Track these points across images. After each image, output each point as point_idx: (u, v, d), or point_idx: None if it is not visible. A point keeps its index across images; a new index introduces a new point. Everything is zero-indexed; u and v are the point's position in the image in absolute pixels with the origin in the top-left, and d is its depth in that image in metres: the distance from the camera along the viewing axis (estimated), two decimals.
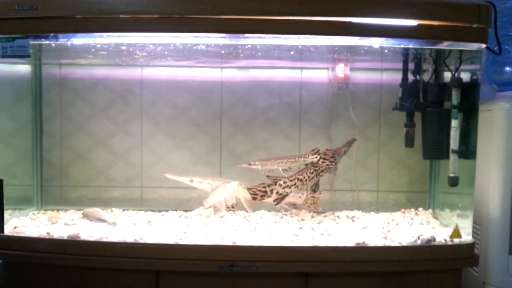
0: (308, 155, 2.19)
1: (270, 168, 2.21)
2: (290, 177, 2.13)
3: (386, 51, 2.23)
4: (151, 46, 2.16)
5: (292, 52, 2.26)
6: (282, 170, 2.20)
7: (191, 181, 2.28)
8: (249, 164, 2.23)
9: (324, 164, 2.17)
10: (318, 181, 2.20)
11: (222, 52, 2.30)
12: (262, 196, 2.09)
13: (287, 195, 2.13)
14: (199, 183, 2.28)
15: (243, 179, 2.28)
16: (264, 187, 2.08)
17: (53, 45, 2.14)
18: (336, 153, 2.23)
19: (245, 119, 2.48)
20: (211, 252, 1.85)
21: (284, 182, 2.10)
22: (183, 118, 2.48)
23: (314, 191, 2.20)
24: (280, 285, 1.89)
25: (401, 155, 2.47)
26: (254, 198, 2.10)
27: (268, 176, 2.13)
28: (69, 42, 2.01)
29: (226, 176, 2.34)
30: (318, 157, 2.18)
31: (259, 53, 2.22)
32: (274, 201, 2.11)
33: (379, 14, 1.78)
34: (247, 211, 2.28)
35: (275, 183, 2.09)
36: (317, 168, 2.16)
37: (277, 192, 2.09)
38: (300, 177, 2.13)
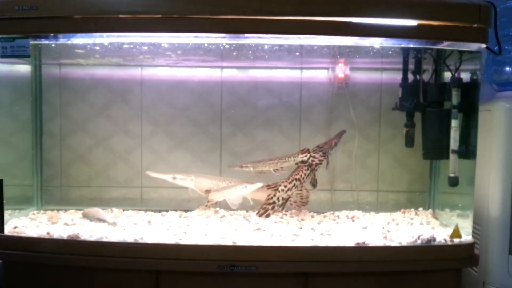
0: (298, 154, 2.20)
1: (262, 170, 2.23)
2: (288, 179, 2.14)
3: (390, 52, 2.23)
4: (152, 45, 2.16)
5: (297, 53, 2.26)
6: (274, 170, 2.21)
7: (174, 178, 2.27)
8: (241, 167, 2.25)
9: (315, 162, 2.18)
10: (315, 175, 2.20)
11: (223, 50, 2.30)
12: (272, 208, 2.11)
13: (289, 197, 2.15)
14: (182, 180, 2.27)
15: (242, 178, 2.29)
16: (272, 197, 2.10)
17: (53, 45, 2.15)
18: (327, 145, 2.24)
19: (245, 119, 2.48)
20: (211, 252, 1.85)
21: (285, 186, 2.12)
22: (183, 118, 2.48)
23: (314, 186, 2.20)
24: (280, 285, 1.89)
25: (401, 155, 2.47)
26: (267, 216, 2.13)
27: (268, 186, 2.15)
28: (69, 42, 2.01)
29: (226, 175, 2.34)
30: (308, 155, 2.19)
31: (259, 53, 2.23)
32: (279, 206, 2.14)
33: (379, 14, 1.78)
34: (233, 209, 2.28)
35: (276, 190, 2.10)
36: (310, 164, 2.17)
37: (282, 198, 2.11)
38: (297, 176, 2.15)
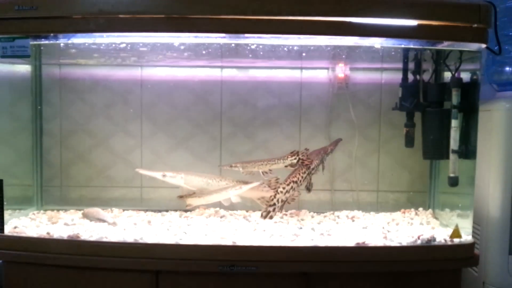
0: (288, 157, 2.21)
1: (251, 170, 2.23)
2: (286, 181, 2.13)
3: (392, 52, 2.22)
4: (151, 46, 2.16)
5: (304, 54, 2.26)
6: (262, 172, 2.22)
7: (164, 175, 2.26)
8: (231, 167, 2.25)
9: (304, 163, 2.19)
10: (311, 179, 2.20)
11: (222, 51, 2.30)
12: (274, 210, 2.11)
13: (286, 200, 2.14)
14: (172, 177, 2.27)
15: (237, 178, 2.29)
16: (272, 199, 2.10)
17: (53, 45, 2.15)
18: (323, 151, 2.25)
19: (245, 119, 2.48)
20: (211, 252, 1.85)
21: (284, 188, 2.11)
22: (183, 118, 2.48)
23: (309, 189, 2.20)
24: (280, 285, 1.89)
25: (401, 155, 2.47)
26: (271, 217, 2.12)
27: (268, 185, 2.16)
28: (69, 42, 2.01)
29: (226, 175, 2.34)
30: (297, 158, 2.19)
31: (260, 53, 2.23)
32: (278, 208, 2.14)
33: (379, 14, 1.78)
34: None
35: (276, 192, 2.10)
36: (308, 167, 2.17)
37: (281, 200, 2.11)
38: (295, 179, 2.14)
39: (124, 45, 2.12)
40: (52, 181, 2.48)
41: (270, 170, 2.22)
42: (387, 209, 2.45)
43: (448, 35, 1.83)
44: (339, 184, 2.51)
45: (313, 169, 2.20)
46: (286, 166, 2.21)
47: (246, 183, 2.21)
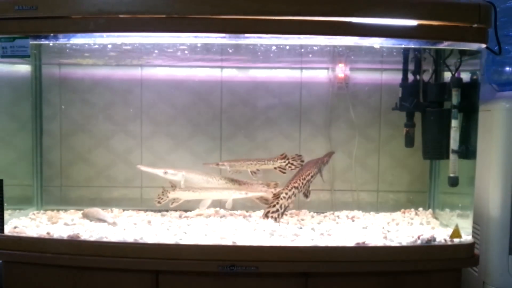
0: (277, 159, 2.22)
1: (238, 170, 2.23)
2: (287, 187, 2.13)
3: (394, 53, 2.22)
4: (151, 46, 2.16)
5: (310, 55, 2.27)
6: (251, 172, 2.22)
7: (165, 173, 2.27)
8: (217, 165, 2.25)
9: (291, 168, 2.21)
10: (309, 186, 2.20)
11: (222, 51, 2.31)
12: (278, 215, 2.11)
13: (288, 206, 2.14)
14: (173, 175, 2.27)
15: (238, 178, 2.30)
16: (274, 205, 2.10)
17: (52, 45, 2.15)
18: (320, 161, 2.26)
19: (245, 119, 2.48)
20: (211, 252, 1.85)
21: (286, 194, 2.11)
22: (183, 118, 2.48)
23: (306, 196, 2.20)
24: (280, 285, 1.89)
25: (401, 155, 2.47)
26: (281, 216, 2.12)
27: (274, 195, 2.15)
28: (70, 41, 2.01)
29: (226, 175, 2.34)
30: (286, 161, 2.21)
31: (259, 53, 2.23)
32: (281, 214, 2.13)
33: (379, 14, 1.78)
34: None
35: (278, 198, 2.10)
36: (308, 173, 2.18)
37: (284, 206, 2.11)
38: (296, 184, 2.14)
39: (124, 46, 2.12)
40: (52, 181, 2.48)
41: (257, 170, 2.22)
42: (387, 209, 2.45)
43: (448, 35, 1.83)
44: (339, 184, 2.51)
45: (312, 176, 2.20)
46: (275, 168, 2.22)
47: (245, 183, 2.20)
